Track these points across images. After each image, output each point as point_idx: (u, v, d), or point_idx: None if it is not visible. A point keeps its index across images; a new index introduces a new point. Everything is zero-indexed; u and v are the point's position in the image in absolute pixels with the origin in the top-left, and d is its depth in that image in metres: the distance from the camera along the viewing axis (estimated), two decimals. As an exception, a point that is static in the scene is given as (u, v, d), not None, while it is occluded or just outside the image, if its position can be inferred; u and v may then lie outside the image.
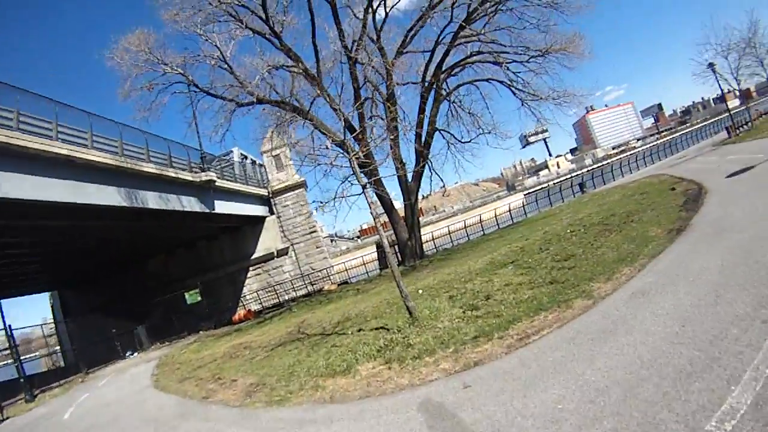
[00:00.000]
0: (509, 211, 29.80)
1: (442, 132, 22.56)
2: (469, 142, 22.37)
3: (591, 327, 5.06)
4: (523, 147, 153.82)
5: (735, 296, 4.48)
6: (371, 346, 7.02)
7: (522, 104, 21.93)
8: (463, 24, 19.66)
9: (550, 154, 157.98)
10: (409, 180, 21.24)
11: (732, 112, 30.63)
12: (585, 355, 4.39)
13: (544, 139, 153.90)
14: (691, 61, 64.68)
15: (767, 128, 23.93)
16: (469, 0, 19.65)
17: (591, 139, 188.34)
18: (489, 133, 21.68)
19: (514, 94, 21.94)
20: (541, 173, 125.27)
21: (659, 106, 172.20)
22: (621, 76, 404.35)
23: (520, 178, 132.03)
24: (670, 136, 69.73)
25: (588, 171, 59.51)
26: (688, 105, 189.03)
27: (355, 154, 9.09)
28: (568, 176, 63.97)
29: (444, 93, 22.11)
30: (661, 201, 11.43)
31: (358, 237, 75.33)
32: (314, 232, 29.08)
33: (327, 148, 12.16)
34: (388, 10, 20.81)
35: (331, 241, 67.73)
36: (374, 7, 20.03)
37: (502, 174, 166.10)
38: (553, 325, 5.54)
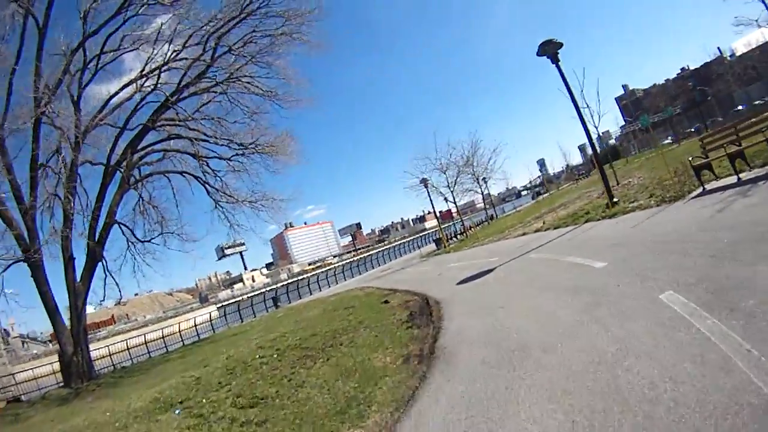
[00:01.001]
0: (195, 326, 27.00)
1: (121, 226, 18.20)
2: (149, 241, 18.64)
3: None
4: (219, 259, 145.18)
5: None
6: None
7: (216, 206, 19.66)
8: (169, 98, 17.37)
9: (245, 268, 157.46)
10: (78, 279, 16.53)
11: (443, 226, 33.33)
12: None
13: (241, 253, 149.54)
14: (405, 173, 69.05)
15: (484, 236, 23.80)
16: (184, 68, 17.61)
17: (287, 255, 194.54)
18: (172, 233, 18.54)
19: (209, 193, 19.59)
20: (236, 286, 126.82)
21: (358, 225, 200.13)
22: (323, 195, 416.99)
23: (215, 290, 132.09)
24: (368, 253, 72.80)
25: (283, 285, 61.23)
26: (387, 224, 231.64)
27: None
28: (263, 290, 65.18)
29: (133, 180, 18.07)
30: (375, 316, 9.54)
31: (49, 341, 65.50)
32: (-13, 333, 23.41)
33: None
34: (100, 64, 17.11)
35: (23, 343, 61.75)
36: (86, 52, 16.53)
37: (197, 285, 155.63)
38: None
